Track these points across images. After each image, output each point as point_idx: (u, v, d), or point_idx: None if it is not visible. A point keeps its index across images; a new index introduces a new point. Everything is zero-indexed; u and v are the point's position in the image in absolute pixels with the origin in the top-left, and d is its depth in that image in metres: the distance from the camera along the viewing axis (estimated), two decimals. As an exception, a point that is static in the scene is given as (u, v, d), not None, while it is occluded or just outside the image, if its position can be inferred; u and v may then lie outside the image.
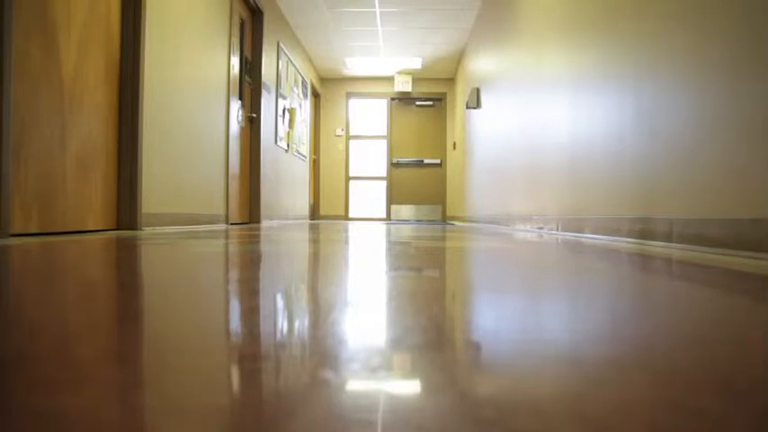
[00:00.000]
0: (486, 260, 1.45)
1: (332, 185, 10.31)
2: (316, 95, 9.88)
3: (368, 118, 10.21)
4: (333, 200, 10.30)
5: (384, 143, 10.16)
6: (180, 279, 0.95)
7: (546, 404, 0.34)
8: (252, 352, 0.47)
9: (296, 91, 7.79)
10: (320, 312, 0.65)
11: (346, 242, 2.27)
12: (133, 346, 0.49)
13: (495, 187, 5.79)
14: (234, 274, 1.05)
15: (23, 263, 1.25)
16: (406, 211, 10.13)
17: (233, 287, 0.88)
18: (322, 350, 0.47)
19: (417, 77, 10.01)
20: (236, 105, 5.18)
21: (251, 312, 0.66)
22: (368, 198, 10.21)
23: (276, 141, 6.60)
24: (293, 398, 0.35)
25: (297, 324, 0.59)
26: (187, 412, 0.32)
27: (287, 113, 7.19)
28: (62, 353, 0.45)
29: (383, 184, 10.19)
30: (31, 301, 0.71)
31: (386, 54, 8.70)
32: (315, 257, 1.45)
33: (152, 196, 3.41)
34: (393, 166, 10.14)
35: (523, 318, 0.63)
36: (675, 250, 1.82)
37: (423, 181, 10.18)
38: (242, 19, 5.49)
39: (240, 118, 5.38)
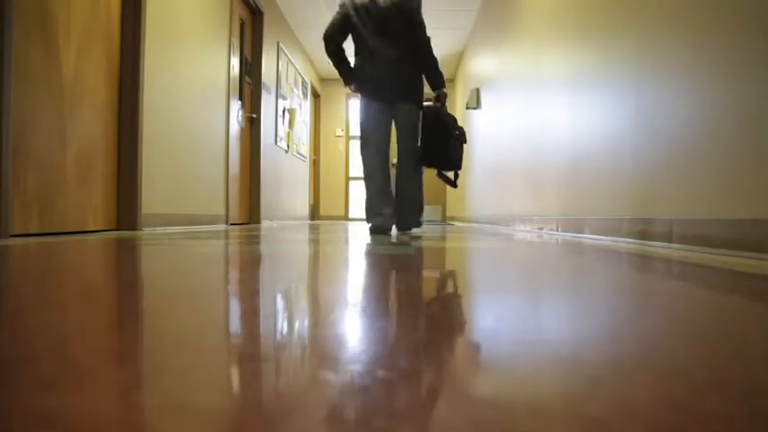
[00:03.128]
0: (485, 260, 1.45)
1: (332, 186, 10.30)
2: (316, 96, 9.88)
3: (368, 118, 10.18)
4: (333, 200, 10.30)
5: (384, 143, 10.14)
6: (179, 280, 0.95)
7: (545, 403, 0.34)
8: (251, 350, 0.47)
9: (296, 91, 7.79)
10: (320, 313, 0.65)
11: (346, 243, 2.27)
12: (133, 346, 0.49)
13: (494, 188, 5.79)
14: (234, 275, 1.05)
15: (24, 263, 1.25)
16: (406, 211, 10.10)
17: (233, 288, 0.88)
18: (322, 349, 0.47)
19: (417, 78, 9.99)
20: (236, 105, 5.18)
21: (250, 313, 0.66)
22: (368, 198, 10.18)
23: (276, 142, 6.59)
24: (291, 395, 0.35)
25: (297, 324, 0.59)
26: (187, 411, 0.32)
27: (287, 114, 7.19)
28: (62, 353, 0.45)
29: (383, 184, 10.16)
30: (31, 301, 0.71)
31: (386, 54, 8.68)
32: (315, 259, 1.45)
33: (152, 196, 3.41)
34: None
35: (523, 318, 0.63)
36: (675, 251, 1.82)
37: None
38: (242, 19, 5.49)
39: (240, 118, 5.38)
